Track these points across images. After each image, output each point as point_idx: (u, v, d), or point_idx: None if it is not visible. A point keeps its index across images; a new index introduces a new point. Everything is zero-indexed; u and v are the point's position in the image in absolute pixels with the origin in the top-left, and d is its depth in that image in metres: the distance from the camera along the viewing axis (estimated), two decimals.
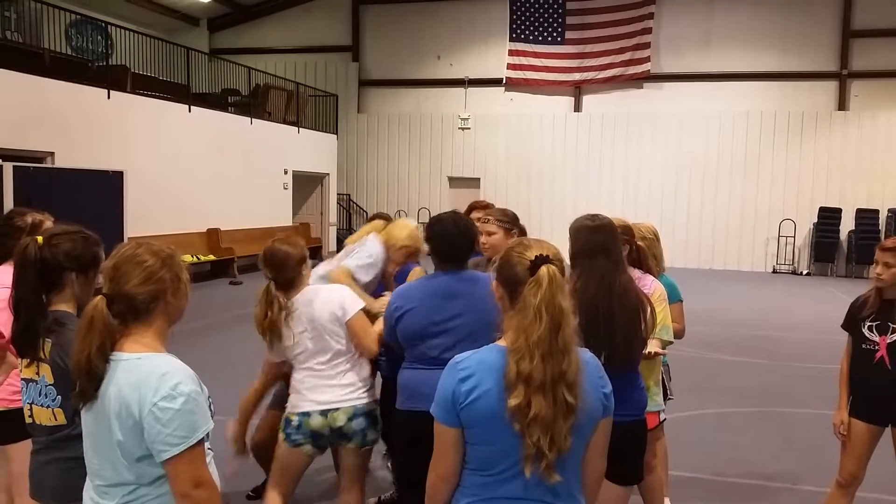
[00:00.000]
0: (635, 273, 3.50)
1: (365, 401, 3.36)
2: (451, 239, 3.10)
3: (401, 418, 3.14)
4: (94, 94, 12.17)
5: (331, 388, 3.31)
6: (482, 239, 3.66)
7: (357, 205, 21.32)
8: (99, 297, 1.90)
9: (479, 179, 20.32)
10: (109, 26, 13.91)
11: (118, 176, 11.70)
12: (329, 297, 3.35)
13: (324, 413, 3.29)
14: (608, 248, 2.88)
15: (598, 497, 2.08)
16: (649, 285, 3.48)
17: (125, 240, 9.94)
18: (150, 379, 1.81)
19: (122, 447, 1.84)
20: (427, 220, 3.24)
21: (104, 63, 13.60)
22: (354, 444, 3.37)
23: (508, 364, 1.86)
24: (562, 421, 1.83)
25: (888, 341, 3.47)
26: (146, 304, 1.91)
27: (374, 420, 3.38)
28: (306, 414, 3.30)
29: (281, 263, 3.33)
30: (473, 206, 4.52)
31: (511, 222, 3.84)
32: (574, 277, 2.82)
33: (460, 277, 3.09)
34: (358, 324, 3.33)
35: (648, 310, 2.92)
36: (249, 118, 16.39)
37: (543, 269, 1.90)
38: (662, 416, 3.78)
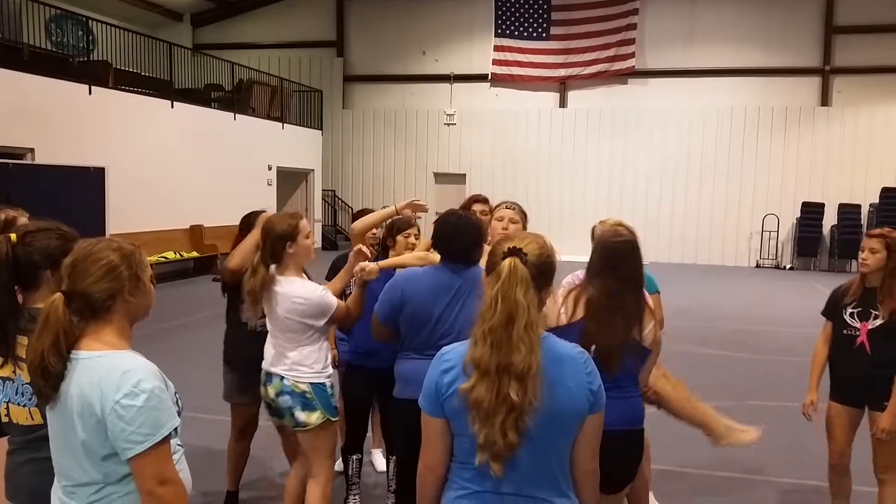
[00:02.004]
0: None
1: (301, 378, 3.35)
2: (456, 237, 3.14)
3: (397, 406, 3.22)
4: (75, 90, 12.04)
5: (278, 360, 3.40)
6: (503, 224, 3.70)
7: (342, 201, 21.25)
8: (57, 294, 1.87)
9: (464, 175, 20.32)
10: (91, 21, 13.76)
11: (100, 172, 11.59)
12: (294, 298, 3.32)
13: (267, 381, 3.44)
14: (623, 263, 2.88)
15: (595, 499, 2.04)
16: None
17: (107, 236, 9.86)
18: (112, 376, 1.79)
19: (87, 446, 1.82)
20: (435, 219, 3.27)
21: (86, 58, 13.45)
22: (287, 422, 3.42)
23: (467, 349, 1.90)
24: (503, 414, 1.82)
25: (869, 327, 3.61)
26: (103, 302, 1.87)
27: (305, 403, 3.35)
28: (265, 378, 3.48)
29: (264, 233, 3.38)
30: (475, 199, 4.54)
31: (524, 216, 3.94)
32: (587, 286, 2.88)
33: (463, 273, 3.13)
34: (336, 318, 3.41)
35: (650, 325, 2.89)
36: (233, 114, 16.29)
37: (506, 262, 1.91)
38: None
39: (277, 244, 3.34)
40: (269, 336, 3.49)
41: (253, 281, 3.36)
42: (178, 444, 1.92)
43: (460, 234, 3.15)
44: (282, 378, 3.38)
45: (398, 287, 3.20)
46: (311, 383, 3.37)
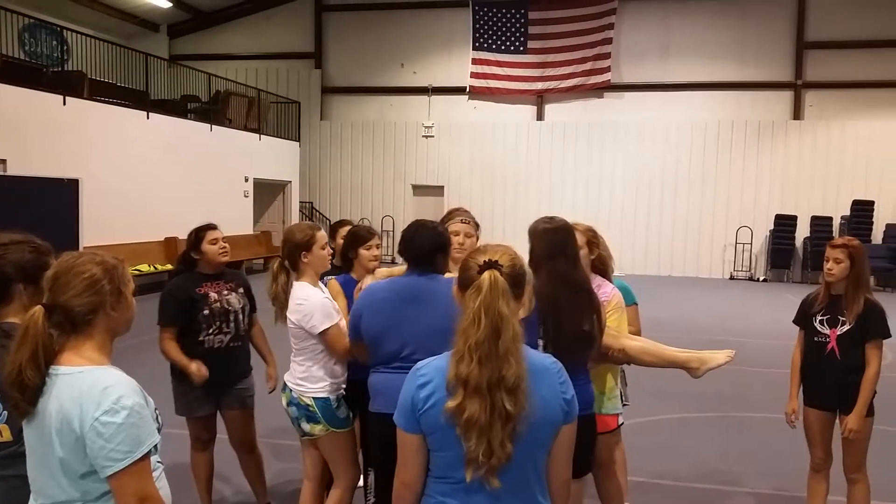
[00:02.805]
0: (596, 280, 3.55)
1: (304, 392, 3.46)
2: (420, 242, 3.11)
3: (371, 420, 3.21)
4: (49, 100, 11.90)
5: (292, 368, 3.53)
6: (460, 239, 3.61)
7: (320, 212, 21.19)
8: (37, 307, 1.85)
9: (443, 187, 20.35)
10: (65, 31, 13.64)
11: (73, 184, 11.45)
12: (297, 300, 3.44)
13: (283, 389, 3.58)
14: (565, 248, 2.99)
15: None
16: (609, 293, 3.52)
17: (80, 249, 9.73)
18: (92, 392, 1.76)
19: (65, 464, 1.78)
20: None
21: (60, 68, 13.32)
22: (296, 430, 3.56)
23: (449, 367, 1.88)
24: (499, 427, 1.82)
25: (838, 333, 3.75)
26: (84, 316, 1.85)
27: (309, 415, 3.46)
28: (282, 385, 3.61)
29: (284, 240, 3.58)
30: (454, 213, 4.43)
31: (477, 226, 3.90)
32: (536, 277, 2.89)
33: (427, 279, 3.08)
34: (327, 339, 3.43)
35: (596, 312, 2.99)
36: (209, 125, 16.20)
37: (486, 275, 1.91)
38: (620, 420, 3.82)
39: (294, 252, 3.51)
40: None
41: (275, 287, 3.56)
42: (158, 461, 1.89)
43: (422, 237, 3.11)
44: (291, 389, 3.51)
45: (358, 301, 3.21)
46: (313, 398, 3.45)
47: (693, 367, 3.38)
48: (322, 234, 3.60)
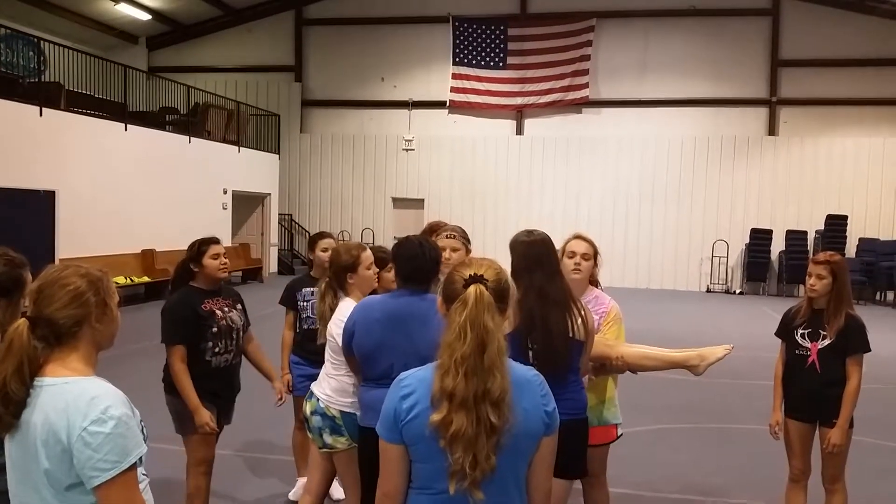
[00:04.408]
0: (594, 292, 3.58)
1: (333, 404, 3.44)
2: (414, 260, 3.11)
3: (359, 435, 3.24)
4: (25, 112, 11.80)
5: (324, 379, 3.52)
6: (445, 254, 3.64)
7: (299, 225, 21.12)
8: (22, 319, 1.84)
9: (423, 200, 20.39)
10: (42, 42, 13.54)
11: (50, 196, 11.36)
12: (341, 315, 3.45)
13: (309, 397, 3.58)
14: (543, 261, 3.03)
15: None
16: (606, 304, 3.57)
17: (56, 261, 9.62)
18: (79, 403, 1.75)
19: (50, 476, 1.77)
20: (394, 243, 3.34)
21: (36, 79, 13.21)
22: (315, 441, 3.53)
23: (434, 380, 1.89)
24: (484, 439, 1.84)
25: (819, 347, 3.80)
26: (69, 328, 1.84)
27: (334, 427, 3.44)
28: (308, 394, 3.62)
29: (330, 263, 3.68)
30: (434, 227, 4.43)
31: (467, 240, 3.93)
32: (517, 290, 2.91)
33: (421, 298, 3.08)
34: None
35: (581, 316, 3.02)
36: (188, 137, 16.12)
37: (471, 289, 1.92)
38: (620, 431, 3.80)
39: (341, 274, 3.57)
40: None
41: (322, 306, 3.63)
42: (144, 473, 1.88)
43: (415, 256, 3.11)
44: (318, 399, 3.49)
45: (352, 315, 3.22)
46: (341, 411, 3.44)
47: (694, 364, 3.44)
48: (368, 255, 3.63)
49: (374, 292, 3.77)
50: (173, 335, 3.75)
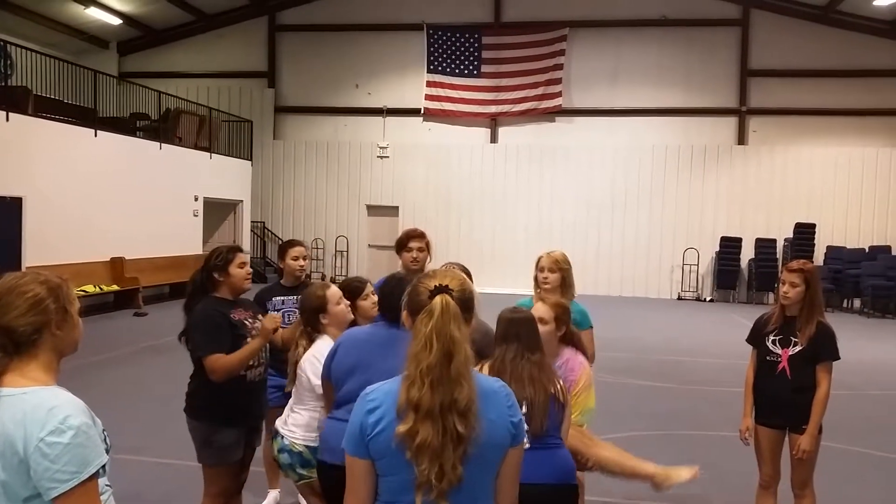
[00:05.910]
0: (566, 352, 3.57)
1: (297, 440, 3.44)
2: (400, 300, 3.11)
3: (319, 469, 3.20)
4: None
5: (289, 415, 3.52)
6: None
7: (272, 232, 20.97)
8: None
9: (397, 208, 20.36)
10: (9, 45, 13.31)
11: (16, 202, 11.15)
12: (317, 354, 3.41)
13: (274, 436, 3.57)
14: (520, 336, 3.11)
15: None
16: (576, 370, 3.55)
17: (23, 269, 9.44)
18: (37, 413, 1.72)
19: (7, 488, 1.73)
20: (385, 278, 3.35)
21: (3, 83, 12.98)
22: (291, 476, 3.52)
23: (400, 391, 1.88)
24: (451, 449, 1.83)
25: (790, 354, 3.84)
26: (28, 336, 1.81)
27: (303, 461, 3.44)
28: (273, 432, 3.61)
29: (300, 311, 3.66)
30: (411, 236, 4.36)
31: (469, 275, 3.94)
32: (494, 355, 3.06)
33: (404, 332, 3.05)
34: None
35: (556, 384, 3.03)
36: (159, 143, 15.94)
37: (437, 299, 1.93)
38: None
39: (312, 318, 3.55)
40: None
41: (297, 352, 3.56)
42: (107, 485, 1.84)
43: (401, 294, 3.11)
44: (283, 437, 3.48)
45: (339, 338, 3.22)
46: (306, 446, 3.43)
47: (658, 481, 3.50)
48: (333, 291, 3.57)
49: (354, 323, 3.65)
50: (212, 343, 3.46)
